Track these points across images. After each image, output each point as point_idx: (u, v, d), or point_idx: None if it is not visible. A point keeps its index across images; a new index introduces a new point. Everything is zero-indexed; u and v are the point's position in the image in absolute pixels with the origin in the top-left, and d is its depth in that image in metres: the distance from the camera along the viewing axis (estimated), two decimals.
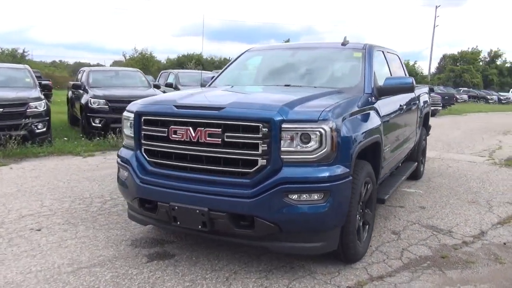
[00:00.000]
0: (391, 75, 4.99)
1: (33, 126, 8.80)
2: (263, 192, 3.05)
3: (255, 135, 3.08)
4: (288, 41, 55.93)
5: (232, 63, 5.26)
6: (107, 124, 9.91)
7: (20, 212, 4.86)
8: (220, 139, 3.16)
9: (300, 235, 3.23)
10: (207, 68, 39.13)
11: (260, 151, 3.08)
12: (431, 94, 26.27)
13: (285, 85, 4.39)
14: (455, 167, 8.19)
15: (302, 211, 3.07)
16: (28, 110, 8.77)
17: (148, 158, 3.52)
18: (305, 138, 3.07)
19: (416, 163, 6.39)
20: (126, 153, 3.76)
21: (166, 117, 3.42)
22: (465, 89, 50.68)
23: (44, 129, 9.05)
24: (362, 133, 3.51)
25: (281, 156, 3.06)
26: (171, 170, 3.42)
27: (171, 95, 4.10)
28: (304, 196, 3.07)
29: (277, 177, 3.05)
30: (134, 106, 3.73)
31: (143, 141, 3.54)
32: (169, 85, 12.96)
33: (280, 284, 3.28)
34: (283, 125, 3.04)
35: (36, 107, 8.92)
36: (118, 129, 9.74)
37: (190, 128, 3.25)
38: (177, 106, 3.39)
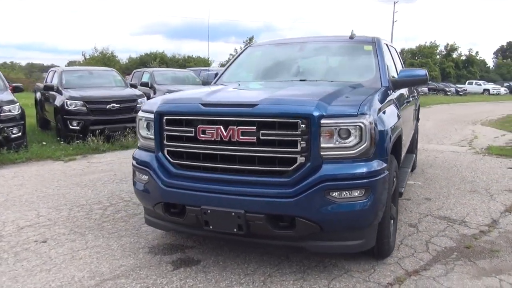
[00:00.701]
0: (395, 67, 4.98)
1: (7, 131, 8.30)
2: (305, 190, 2.93)
3: (294, 132, 2.95)
4: (252, 38, 56.00)
5: (235, 59, 5.10)
6: (86, 126, 9.49)
7: (17, 223, 4.52)
8: (255, 138, 3.02)
9: (339, 233, 3.14)
10: (171, 67, 38.51)
11: (299, 149, 2.96)
12: None
13: (301, 80, 4.28)
14: (441, 157, 8.36)
15: (344, 209, 2.97)
16: (1, 114, 8.26)
17: (172, 160, 3.33)
18: (344, 133, 2.98)
19: (414, 155, 6.45)
20: (144, 155, 3.56)
21: (192, 116, 3.24)
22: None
23: (20, 133, 8.53)
24: (393, 127, 3.46)
25: (321, 153, 2.96)
26: (200, 171, 3.25)
27: (190, 93, 3.90)
28: (345, 193, 2.98)
29: (319, 175, 2.94)
30: (152, 105, 3.52)
31: (166, 142, 3.34)
32: (144, 84, 12.58)
33: (320, 284, 3.18)
34: (322, 121, 2.94)
35: (10, 111, 8.41)
36: (98, 131, 9.37)
37: (221, 127, 3.09)
38: (205, 104, 3.21)
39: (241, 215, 3.02)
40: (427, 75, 4.26)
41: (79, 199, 5.46)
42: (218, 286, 3.17)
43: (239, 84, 4.44)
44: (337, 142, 2.98)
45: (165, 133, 3.33)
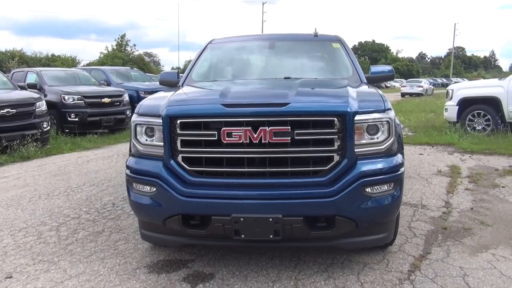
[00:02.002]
0: (353, 64, 5.19)
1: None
2: (344, 188, 2.91)
3: (330, 130, 2.91)
4: (124, 36, 53.50)
5: (199, 56, 4.77)
6: None
7: None
8: (289, 138, 2.89)
9: (370, 228, 3.18)
10: (32, 66, 34.79)
11: (335, 147, 2.92)
12: None
13: (285, 78, 4.21)
14: None
15: (377, 203, 3.01)
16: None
17: (188, 168, 3.02)
18: (373, 129, 3.03)
19: None
20: (146, 164, 3.17)
21: (214, 118, 2.97)
22: None
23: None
24: (399, 122, 3.61)
25: (355, 150, 2.96)
26: (224, 178, 3.01)
27: (200, 93, 3.61)
28: (378, 188, 3.02)
29: (356, 172, 2.94)
30: (154, 108, 3.17)
31: (181, 148, 3.01)
32: (32, 86, 11.13)
33: (351, 280, 3.19)
34: (356, 117, 2.94)
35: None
36: None
37: (250, 129, 2.89)
38: (227, 105, 2.97)
39: (278, 220, 2.87)
40: (393, 71, 4.55)
41: (13, 221, 4.64)
42: None
43: (231, 82, 4.20)
44: (367, 138, 3.01)
45: (179, 138, 3.00)
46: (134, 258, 3.65)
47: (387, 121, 3.04)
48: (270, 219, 2.88)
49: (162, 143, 3.08)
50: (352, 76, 4.29)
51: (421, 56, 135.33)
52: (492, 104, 9.73)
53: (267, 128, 2.88)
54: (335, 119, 2.90)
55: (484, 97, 9.91)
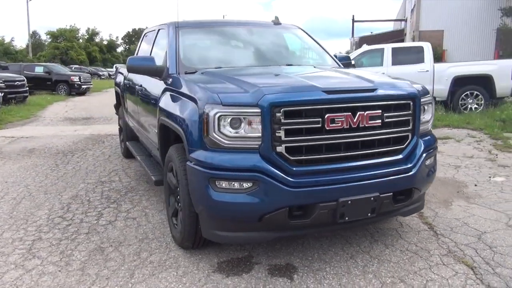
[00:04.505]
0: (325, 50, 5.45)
1: None
2: (416, 163, 3.29)
3: (407, 112, 3.25)
4: None
5: (177, 42, 4.26)
6: None
7: None
8: (380, 121, 3.11)
9: (418, 196, 3.62)
10: None
11: (410, 126, 3.28)
12: (84, 74, 26.38)
13: (287, 65, 4.24)
14: None
15: (429, 173, 3.52)
16: None
17: (291, 158, 2.92)
18: (424, 110, 3.49)
19: None
20: (238, 158, 2.91)
21: (317, 105, 2.94)
22: (77, 66, 51.39)
23: None
24: None
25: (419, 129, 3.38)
26: (324, 164, 3.02)
27: (288, 81, 3.39)
28: (430, 159, 3.51)
29: (421, 148, 3.36)
30: (244, 97, 2.91)
31: (284, 138, 2.88)
32: None
33: (393, 235, 3.62)
34: (422, 100, 3.36)
35: None
36: None
37: (350, 114, 3.00)
38: (327, 92, 2.98)
39: (377, 197, 3.08)
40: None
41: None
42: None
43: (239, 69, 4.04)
44: (422, 119, 3.46)
45: (284, 127, 2.87)
46: (192, 264, 3.26)
47: (431, 103, 3.55)
48: (372, 198, 3.06)
49: (258, 134, 2.88)
50: (333, 63, 4.66)
51: None
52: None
53: (364, 112, 3.03)
54: (411, 102, 3.25)
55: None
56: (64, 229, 4.03)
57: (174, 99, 3.59)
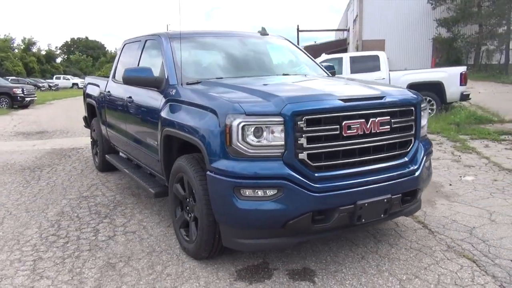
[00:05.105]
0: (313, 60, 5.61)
1: None
2: (419, 165, 3.51)
3: (411, 117, 3.47)
4: None
5: (172, 53, 4.24)
6: None
7: None
8: (389, 126, 3.30)
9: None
10: None
11: (413, 131, 3.50)
12: (27, 86, 25.17)
13: (284, 74, 4.34)
14: None
15: (429, 173, 3.76)
16: None
17: (312, 164, 3.03)
18: (422, 115, 3.73)
19: None
20: (264, 166, 2.97)
21: (336, 113, 3.07)
22: (13, 78, 48.79)
23: None
24: None
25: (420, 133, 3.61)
26: (342, 169, 3.15)
27: (305, 90, 3.53)
28: (429, 161, 3.77)
29: (422, 150, 3.59)
30: (267, 106, 2.99)
31: (306, 145, 2.98)
32: None
33: (392, 234, 3.83)
34: (422, 106, 3.59)
35: None
36: None
37: (364, 120, 3.16)
38: (344, 100, 3.13)
39: (389, 199, 3.26)
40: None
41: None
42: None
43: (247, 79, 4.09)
44: (422, 124, 3.69)
45: (306, 135, 2.97)
46: (212, 273, 3.26)
47: (426, 108, 3.80)
48: (385, 200, 3.23)
49: (281, 142, 2.97)
50: (322, 72, 4.84)
51: None
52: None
53: (375, 119, 3.21)
54: (413, 108, 3.47)
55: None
56: (63, 247, 3.88)
57: (184, 110, 3.58)
